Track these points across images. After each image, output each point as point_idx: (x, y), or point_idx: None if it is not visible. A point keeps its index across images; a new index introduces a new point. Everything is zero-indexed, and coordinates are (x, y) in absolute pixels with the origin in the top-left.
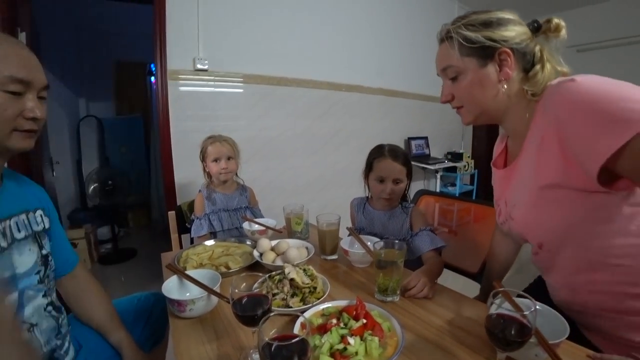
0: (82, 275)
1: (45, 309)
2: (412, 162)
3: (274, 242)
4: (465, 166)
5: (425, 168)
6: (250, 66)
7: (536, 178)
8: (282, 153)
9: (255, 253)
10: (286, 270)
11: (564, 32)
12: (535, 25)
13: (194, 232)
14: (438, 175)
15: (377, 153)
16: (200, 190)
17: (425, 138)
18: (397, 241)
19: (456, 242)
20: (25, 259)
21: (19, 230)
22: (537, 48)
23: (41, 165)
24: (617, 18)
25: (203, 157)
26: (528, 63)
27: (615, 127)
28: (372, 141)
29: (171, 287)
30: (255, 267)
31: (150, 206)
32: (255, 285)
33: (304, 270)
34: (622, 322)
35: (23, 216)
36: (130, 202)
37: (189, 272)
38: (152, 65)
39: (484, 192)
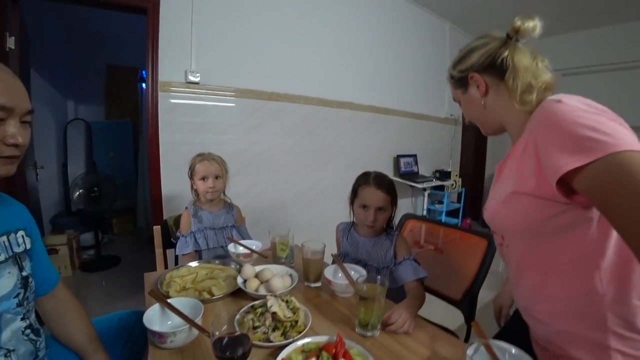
0: (63, 294)
1: (23, 333)
2: (401, 180)
3: (258, 268)
4: (452, 184)
5: (414, 186)
6: (242, 80)
7: (514, 182)
8: (270, 167)
9: (239, 280)
10: (268, 303)
11: (525, 28)
12: (507, 34)
13: (179, 250)
14: (426, 193)
15: (363, 180)
16: (186, 207)
17: (414, 156)
18: (379, 276)
19: (441, 263)
20: (4, 282)
21: None
22: (508, 56)
23: (24, 169)
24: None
25: (191, 174)
26: (503, 73)
27: (578, 151)
28: (361, 158)
29: (152, 315)
30: (239, 293)
31: (136, 212)
32: (237, 316)
33: (287, 302)
34: (553, 330)
35: (4, 238)
36: (116, 208)
37: (172, 300)
38: (143, 72)
39: (471, 210)
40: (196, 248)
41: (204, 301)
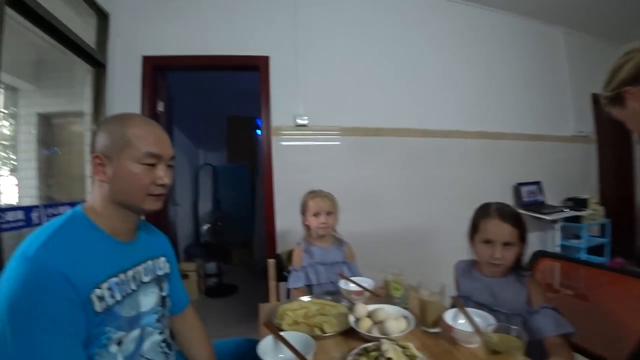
0: (191, 316)
1: (159, 345)
2: (524, 212)
3: (371, 307)
4: (591, 214)
5: (541, 218)
6: (347, 119)
7: None
8: (377, 204)
9: (351, 319)
10: (383, 347)
11: None
12: None
13: (290, 284)
14: (557, 227)
15: (483, 212)
16: (298, 243)
17: (538, 183)
18: (514, 327)
19: (586, 313)
20: (149, 299)
21: (145, 275)
22: None
23: (167, 206)
24: None
25: (303, 211)
26: None
27: None
28: (474, 190)
29: (266, 346)
30: (350, 332)
31: (252, 246)
32: (349, 358)
33: (403, 348)
34: None
35: (150, 262)
36: (235, 241)
37: (285, 334)
38: (258, 120)
39: (619, 247)
40: (307, 283)
41: (315, 337)
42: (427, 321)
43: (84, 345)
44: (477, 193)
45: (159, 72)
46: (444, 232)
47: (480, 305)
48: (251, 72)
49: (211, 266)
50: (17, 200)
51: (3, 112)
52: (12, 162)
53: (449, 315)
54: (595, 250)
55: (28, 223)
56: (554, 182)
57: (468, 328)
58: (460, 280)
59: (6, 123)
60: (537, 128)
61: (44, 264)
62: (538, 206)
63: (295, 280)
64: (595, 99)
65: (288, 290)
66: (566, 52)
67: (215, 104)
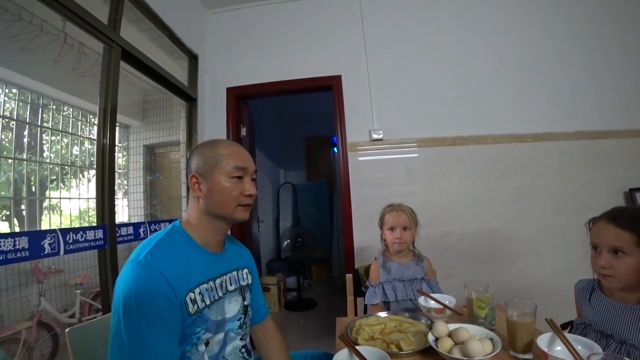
0: (270, 326)
1: (240, 350)
2: None
3: (452, 327)
4: None
5: None
6: (423, 130)
7: None
8: (461, 217)
9: (431, 337)
10: None
11: None
12: None
13: (368, 299)
14: None
15: (599, 216)
16: (376, 258)
17: None
18: (627, 358)
19: None
20: (233, 307)
21: (231, 284)
22: None
23: (251, 222)
24: None
25: (381, 224)
26: None
27: None
28: (574, 199)
29: (341, 359)
30: (429, 351)
31: (331, 262)
32: None
33: None
34: None
35: (235, 273)
36: (315, 257)
37: (360, 348)
38: (334, 138)
39: None
40: (384, 299)
41: (391, 355)
42: (516, 345)
43: (179, 343)
44: (579, 203)
45: (241, 100)
46: (539, 248)
47: (605, 336)
48: (325, 92)
49: (291, 281)
50: (127, 218)
51: (118, 146)
52: (124, 187)
53: (543, 340)
54: None
55: (136, 237)
56: None
57: (567, 356)
58: (580, 304)
59: (120, 155)
60: None
61: (151, 267)
62: None
63: (373, 297)
64: None
65: (365, 306)
66: None
67: (294, 127)
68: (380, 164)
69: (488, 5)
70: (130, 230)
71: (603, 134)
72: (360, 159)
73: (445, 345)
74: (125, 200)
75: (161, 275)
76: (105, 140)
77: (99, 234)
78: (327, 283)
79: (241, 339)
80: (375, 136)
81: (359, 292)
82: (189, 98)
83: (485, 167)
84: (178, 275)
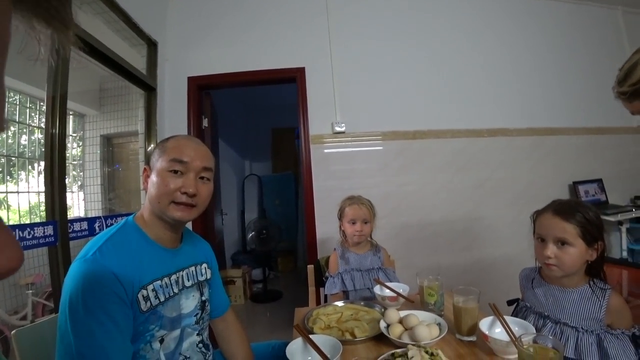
0: (231, 319)
1: (197, 346)
2: None
3: (403, 314)
4: None
5: (604, 220)
6: (385, 123)
7: None
8: (421, 209)
9: (382, 324)
10: (410, 353)
11: None
12: None
13: (327, 290)
14: (623, 229)
15: (542, 209)
16: (335, 249)
17: (599, 181)
18: (551, 337)
19: None
20: (190, 302)
21: (188, 280)
22: None
23: (214, 215)
24: None
25: (340, 216)
26: None
27: None
28: (526, 192)
29: (295, 348)
30: (382, 338)
31: (296, 254)
32: None
33: (431, 354)
34: None
35: (192, 268)
36: (280, 249)
37: (313, 337)
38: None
39: None
40: (343, 289)
41: (345, 342)
42: (461, 329)
43: (131, 341)
44: (530, 195)
45: (203, 90)
46: (494, 237)
47: (543, 317)
48: (289, 84)
49: (257, 273)
50: (83, 213)
51: (72, 136)
52: (80, 179)
53: (485, 324)
54: None
55: (91, 232)
56: (617, 180)
57: (505, 337)
58: (524, 289)
59: (75, 145)
60: (595, 120)
61: (99, 264)
62: (600, 206)
63: (332, 287)
64: None
65: (326, 296)
66: (627, 34)
67: (260, 118)
68: (343, 156)
69: (450, 7)
70: (85, 225)
71: (551, 131)
72: (323, 151)
73: (395, 332)
74: (82, 193)
75: (110, 272)
76: (54, 130)
77: (49, 230)
78: (293, 274)
79: (198, 334)
80: (337, 129)
81: (321, 282)
82: (148, 87)
83: (444, 160)
84: (129, 272)
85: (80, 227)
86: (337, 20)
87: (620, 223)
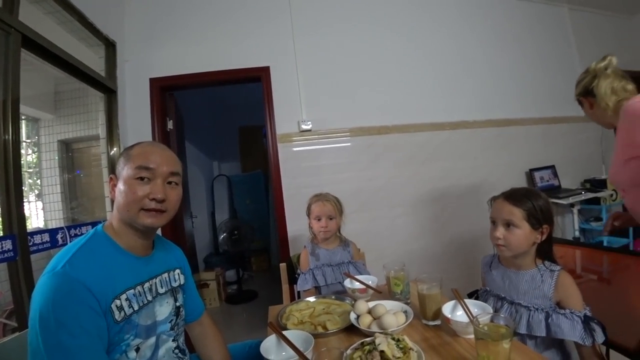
0: (207, 322)
1: (173, 351)
2: None
3: (371, 304)
4: (611, 195)
5: (557, 203)
6: (351, 120)
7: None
8: (389, 202)
9: (352, 316)
10: (377, 341)
11: (599, 67)
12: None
13: (299, 287)
14: (575, 210)
15: (497, 195)
16: (305, 246)
17: (552, 167)
18: (503, 315)
19: (609, 298)
20: (164, 309)
21: (161, 287)
22: (594, 86)
23: (183, 219)
24: None
25: (308, 214)
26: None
27: None
28: (487, 180)
29: (269, 345)
30: (353, 329)
31: (270, 252)
32: (348, 351)
33: (397, 340)
34: None
35: (165, 275)
36: (253, 249)
37: (286, 332)
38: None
39: None
40: (315, 284)
41: (318, 335)
42: (426, 314)
43: (107, 352)
44: (491, 183)
45: (166, 92)
46: (460, 224)
47: (500, 299)
48: (255, 82)
49: (231, 274)
50: (43, 224)
51: (26, 142)
52: (37, 188)
53: (447, 308)
54: (618, 231)
55: (54, 244)
56: (569, 165)
57: (464, 319)
58: (484, 274)
59: (30, 152)
60: (548, 111)
61: (69, 277)
62: (554, 191)
63: (304, 283)
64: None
65: (299, 293)
66: (572, 30)
67: (227, 117)
68: (311, 154)
69: (412, 4)
70: (47, 237)
71: (508, 122)
72: (291, 149)
73: (365, 321)
74: (40, 203)
75: (81, 284)
76: (7, 136)
77: (7, 244)
78: (268, 273)
79: (174, 340)
80: (304, 127)
81: (295, 279)
82: (108, 89)
83: (410, 153)
84: (101, 283)
85: (42, 240)
86: (300, 18)
87: (572, 205)
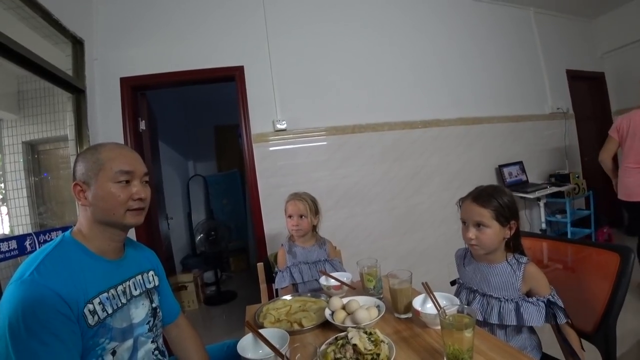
0: (184, 324)
1: (153, 353)
2: None
3: (345, 300)
4: (575, 189)
5: (525, 197)
6: (325, 119)
7: None
8: (363, 199)
9: (327, 312)
10: (349, 335)
11: None
12: None
13: (277, 284)
14: (541, 204)
15: (465, 196)
16: (282, 244)
17: (520, 163)
18: (466, 306)
19: (573, 285)
20: (140, 311)
21: (135, 289)
22: None
23: (158, 220)
24: None
25: (285, 212)
26: None
27: None
28: (458, 176)
29: (246, 344)
30: (328, 324)
31: (248, 252)
32: (323, 346)
33: (369, 334)
34: None
35: (139, 277)
36: (232, 249)
37: (262, 330)
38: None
39: (608, 216)
40: (292, 282)
41: (294, 332)
42: (398, 308)
43: (81, 357)
44: (462, 179)
45: (138, 91)
46: (432, 219)
47: (473, 291)
48: (229, 82)
49: (209, 275)
50: (9, 230)
51: None
52: (1, 192)
53: (417, 301)
54: (583, 222)
55: (22, 251)
56: (535, 161)
57: (433, 311)
58: (458, 267)
59: None
60: (515, 109)
61: (38, 284)
62: (522, 186)
63: (281, 281)
64: (570, 74)
65: (276, 291)
66: (538, 32)
67: (202, 116)
68: (286, 153)
69: (386, 5)
70: (13, 244)
71: (479, 120)
72: (266, 149)
73: (339, 317)
74: (5, 208)
75: (51, 291)
76: None
77: None
78: (246, 273)
79: (152, 341)
80: (279, 126)
81: (272, 278)
82: (76, 89)
83: (383, 151)
84: (72, 288)
85: (9, 247)
86: (274, 18)
87: (538, 199)
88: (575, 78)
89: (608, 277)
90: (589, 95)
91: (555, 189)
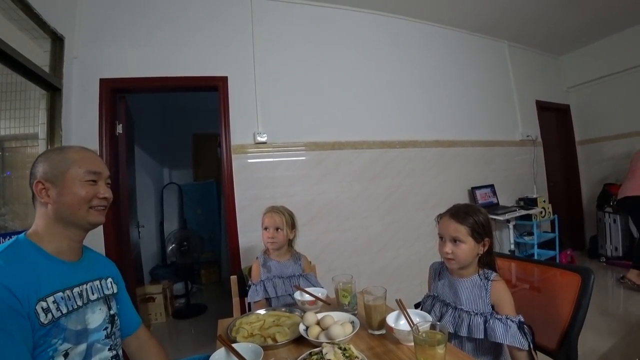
0: (145, 336)
1: None
2: None
3: (320, 316)
4: (541, 212)
5: (495, 219)
6: (305, 135)
7: None
8: (339, 215)
9: (302, 327)
10: (324, 351)
11: None
12: None
13: (250, 298)
14: (511, 225)
15: (443, 213)
16: (257, 257)
17: (491, 186)
18: (439, 322)
19: (539, 304)
20: (97, 316)
21: (93, 293)
22: None
23: (129, 228)
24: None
25: (262, 224)
26: None
27: None
28: (432, 197)
29: (218, 359)
30: (302, 340)
31: (220, 264)
32: None
33: (344, 349)
34: None
35: (97, 282)
36: (203, 260)
37: (235, 345)
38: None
39: (570, 239)
40: (266, 296)
41: (268, 347)
42: (372, 324)
43: (32, 356)
44: (436, 199)
45: (118, 94)
46: (406, 238)
47: (445, 305)
48: (212, 91)
49: (179, 287)
50: None
51: None
52: None
53: (391, 318)
54: (548, 244)
55: None
56: (506, 184)
57: (407, 328)
58: (432, 281)
59: None
60: (488, 134)
61: None
62: (493, 208)
63: (255, 294)
64: (539, 105)
65: (249, 305)
66: (511, 63)
67: (181, 123)
68: (265, 166)
69: (371, 28)
70: None
71: (454, 143)
72: (245, 160)
73: (313, 332)
74: None
75: (1, 285)
76: None
77: None
78: (218, 285)
79: (110, 349)
80: (259, 139)
81: (246, 292)
82: (52, 86)
83: (360, 169)
84: (23, 284)
85: None
86: (261, 31)
87: (508, 221)
88: (544, 109)
89: (570, 297)
90: (556, 125)
91: (523, 212)
